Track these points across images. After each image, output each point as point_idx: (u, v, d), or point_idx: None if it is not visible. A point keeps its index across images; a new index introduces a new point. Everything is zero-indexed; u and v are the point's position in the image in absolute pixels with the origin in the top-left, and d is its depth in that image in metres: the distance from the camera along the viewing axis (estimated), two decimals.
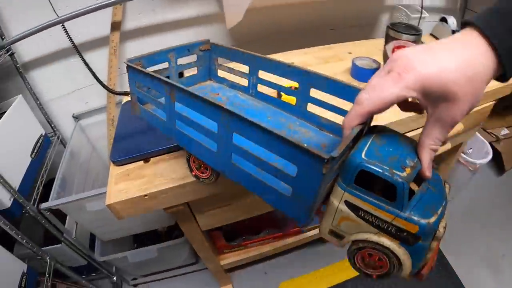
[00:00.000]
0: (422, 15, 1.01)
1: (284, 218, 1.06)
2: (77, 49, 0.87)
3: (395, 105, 0.30)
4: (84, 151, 1.21)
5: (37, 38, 0.89)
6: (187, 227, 0.76)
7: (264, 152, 0.29)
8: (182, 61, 0.53)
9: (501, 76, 0.28)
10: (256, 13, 1.00)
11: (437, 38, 1.06)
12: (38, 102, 1.01)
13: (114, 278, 1.20)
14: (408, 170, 0.28)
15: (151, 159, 0.61)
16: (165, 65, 0.51)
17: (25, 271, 0.83)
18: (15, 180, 0.85)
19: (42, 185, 0.94)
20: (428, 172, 0.30)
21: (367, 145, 0.30)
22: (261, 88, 0.51)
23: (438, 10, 1.29)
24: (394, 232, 0.29)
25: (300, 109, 0.46)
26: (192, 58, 0.55)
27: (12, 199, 0.82)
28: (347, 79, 0.81)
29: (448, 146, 0.90)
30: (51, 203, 0.83)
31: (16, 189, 0.84)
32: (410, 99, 0.30)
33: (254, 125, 0.29)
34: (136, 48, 1.04)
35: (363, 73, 0.78)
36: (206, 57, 0.56)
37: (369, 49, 0.95)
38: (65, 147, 1.11)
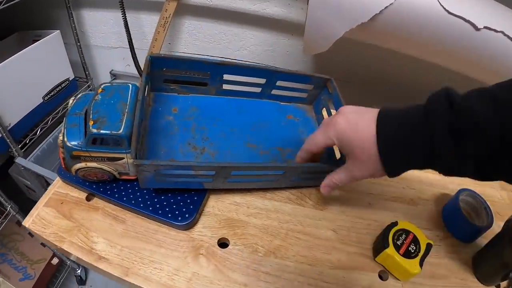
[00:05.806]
0: None
1: None
2: (121, 3, 0.72)
3: None
4: None
5: None
6: None
7: None
8: None
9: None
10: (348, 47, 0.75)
11: None
12: (79, 44, 0.92)
13: None
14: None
15: (95, 198, 0.44)
16: None
17: None
18: (12, 117, 0.77)
19: (42, 131, 0.86)
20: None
21: None
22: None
23: None
24: None
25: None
26: None
27: None
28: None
29: None
30: (25, 162, 0.74)
31: (9, 127, 0.76)
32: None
33: None
34: (190, 28, 0.85)
35: (458, 225, 0.45)
36: None
37: None
38: None
